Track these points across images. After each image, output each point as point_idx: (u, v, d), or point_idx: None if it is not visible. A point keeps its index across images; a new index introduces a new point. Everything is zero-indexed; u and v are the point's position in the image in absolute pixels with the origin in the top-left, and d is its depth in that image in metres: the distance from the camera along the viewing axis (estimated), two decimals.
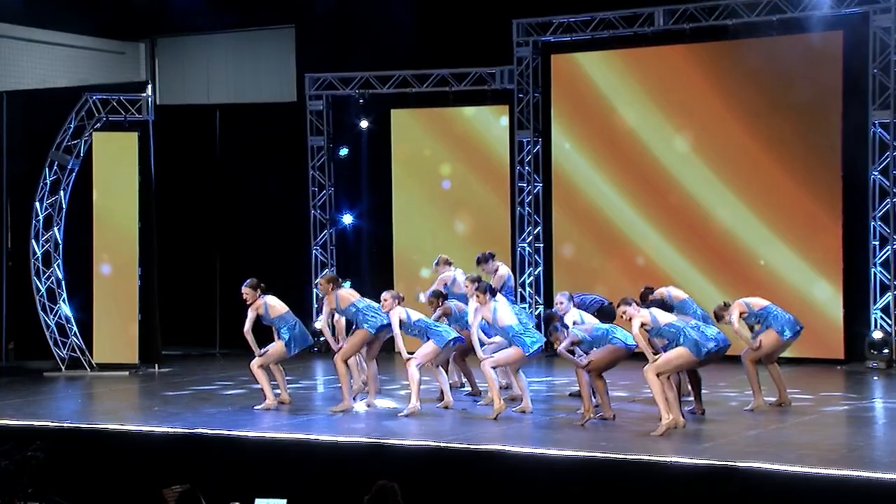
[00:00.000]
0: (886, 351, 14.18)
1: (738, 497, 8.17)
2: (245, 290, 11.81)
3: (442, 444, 9.20)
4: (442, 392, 11.63)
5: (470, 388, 12.46)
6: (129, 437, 10.12)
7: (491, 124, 16.82)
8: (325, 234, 17.35)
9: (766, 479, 8.13)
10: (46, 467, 8.01)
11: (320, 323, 12.20)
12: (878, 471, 8.17)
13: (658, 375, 10.01)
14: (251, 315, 11.71)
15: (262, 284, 11.85)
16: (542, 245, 16.57)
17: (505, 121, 16.69)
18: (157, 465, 9.33)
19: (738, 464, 8.36)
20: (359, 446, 9.47)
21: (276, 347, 11.76)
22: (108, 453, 9.86)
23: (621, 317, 10.39)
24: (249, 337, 11.67)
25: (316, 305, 17.09)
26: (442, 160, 16.94)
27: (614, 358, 10.62)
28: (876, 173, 14.42)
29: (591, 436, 9.83)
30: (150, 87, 15.42)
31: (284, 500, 7.82)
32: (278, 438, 9.73)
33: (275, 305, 11.83)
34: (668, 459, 8.58)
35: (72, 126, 15.00)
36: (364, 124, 17.37)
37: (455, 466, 8.97)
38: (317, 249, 17.31)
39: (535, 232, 16.57)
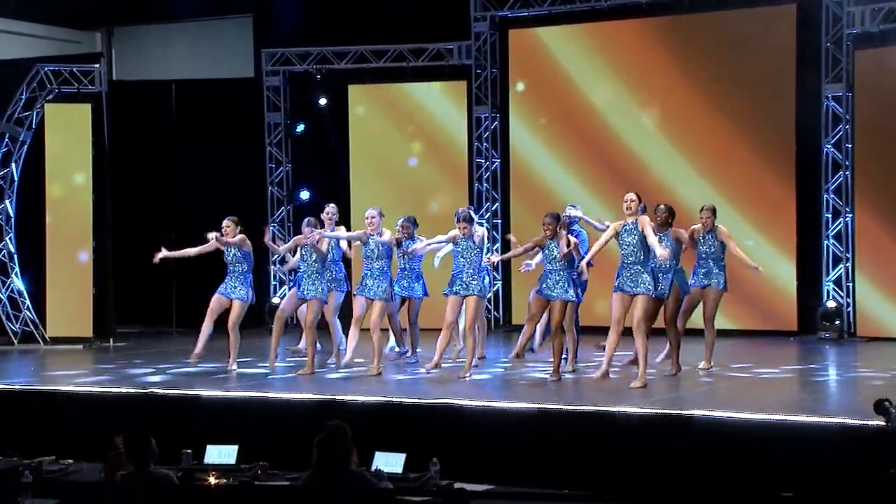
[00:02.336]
0: (838, 322, 14.52)
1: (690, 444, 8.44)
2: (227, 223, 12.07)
3: (394, 399, 9.41)
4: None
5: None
6: (83, 398, 10.25)
7: (448, 100, 16.99)
8: (282, 211, 17.50)
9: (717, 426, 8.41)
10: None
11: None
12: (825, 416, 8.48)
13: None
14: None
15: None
16: (500, 221, 16.78)
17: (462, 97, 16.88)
18: (111, 422, 9.43)
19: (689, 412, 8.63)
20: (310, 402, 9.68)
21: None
22: (63, 413, 9.99)
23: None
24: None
25: (275, 282, 17.25)
26: (399, 136, 17.11)
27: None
28: (829, 146, 14.73)
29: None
30: (103, 59, 15.46)
31: (236, 446, 8.00)
32: (230, 396, 9.90)
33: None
34: (617, 409, 8.83)
35: (23, 97, 15.09)
36: (322, 100, 17.49)
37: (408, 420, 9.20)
38: (274, 226, 17.34)
39: (494, 208, 16.78)
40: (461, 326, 11.78)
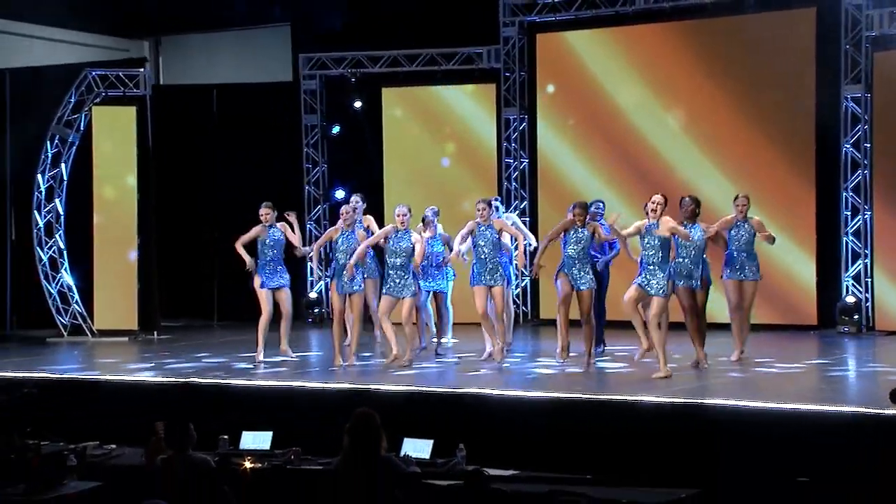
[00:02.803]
0: (857, 316, 14.40)
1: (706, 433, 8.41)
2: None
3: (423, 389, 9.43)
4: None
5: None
6: (126, 386, 10.33)
7: (478, 102, 17.00)
8: (318, 209, 17.56)
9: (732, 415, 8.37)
10: (43, 406, 8.19)
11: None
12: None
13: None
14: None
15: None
16: (528, 219, 16.71)
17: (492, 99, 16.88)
18: (152, 410, 9.50)
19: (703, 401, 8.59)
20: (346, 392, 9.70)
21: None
22: (107, 401, 10.07)
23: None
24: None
25: (312, 277, 17.30)
26: (431, 137, 17.13)
27: None
28: (848, 146, 14.60)
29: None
30: (147, 63, 15.58)
31: (270, 433, 8.04)
32: (265, 386, 9.94)
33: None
34: (638, 398, 8.80)
35: (72, 101, 15.23)
36: (356, 103, 17.52)
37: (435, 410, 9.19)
38: (311, 224, 17.52)
39: (522, 206, 16.76)
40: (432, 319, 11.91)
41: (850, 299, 14.45)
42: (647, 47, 15.91)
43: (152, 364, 12.05)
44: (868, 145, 14.53)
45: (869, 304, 14.57)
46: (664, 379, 10.04)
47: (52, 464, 7.48)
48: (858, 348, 13.32)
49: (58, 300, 15.18)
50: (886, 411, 7.89)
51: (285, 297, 12.08)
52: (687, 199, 11.37)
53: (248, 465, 7.70)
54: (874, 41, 14.44)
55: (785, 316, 14.88)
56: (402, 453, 7.65)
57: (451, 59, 16.86)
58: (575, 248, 10.97)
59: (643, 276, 10.55)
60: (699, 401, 8.65)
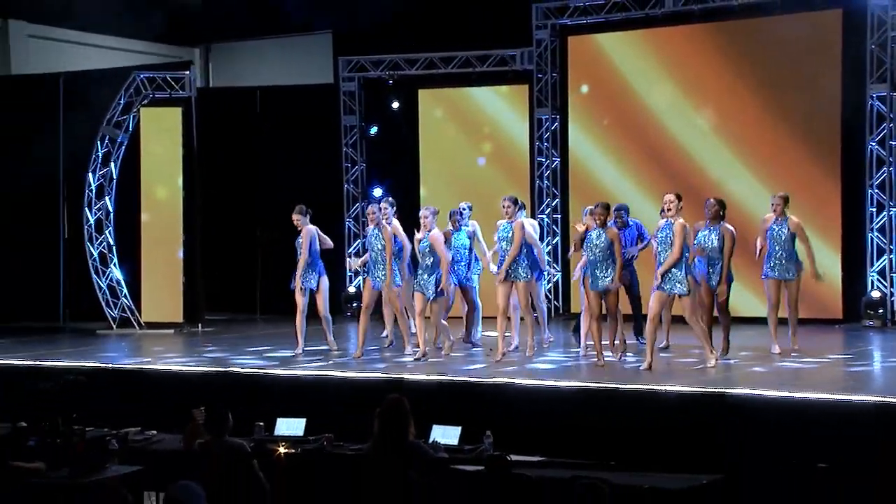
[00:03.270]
0: (882, 311, 14.21)
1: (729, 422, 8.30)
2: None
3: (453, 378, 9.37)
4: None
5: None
6: (166, 375, 10.36)
7: (511, 102, 16.94)
8: (357, 207, 17.56)
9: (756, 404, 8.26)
10: (88, 393, 8.22)
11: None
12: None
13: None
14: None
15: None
16: (559, 216, 16.67)
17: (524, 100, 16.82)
18: (193, 398, 9.52)
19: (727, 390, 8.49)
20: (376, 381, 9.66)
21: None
22: (147, 389, 10.11)
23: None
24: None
25: (351, 272, 17.29)
26: (465, 136, 17.09)
27: None
28: (873, 144, 14.42)
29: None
30: (192, 66, 15.65)
31: (304, 420, 8.02)
32: (300, 376, 9.93)
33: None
34: (662, 388, 8.70)
35: (121, 102, 15.33)
36: (394, 104, 17.51)
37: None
38: (349, 221, 17.53)
39: (553, 204, 16.68)
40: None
41: (876, 294, 14.26)
42: (677, 49, 15.78)
43: (194, 355, 12.07)
44: (893, 143, 14.35)
45: (894, 298, 14.39)
46: (714, 367, 9.92)
47: (95, 448, 7.51)
48: (884, 341, 13.11)
49: (107, 294, 15.29)
50: None
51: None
52: (711, 200, 11.23)
53: (282, 450, 7.69)
54: None
55: (811, 310, 14.54)
56: (431, 440, 7.59)
57: (485, 61, 16.81)
58: (593, 251, 10.78)
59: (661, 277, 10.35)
60: (722, 390, 8.53)
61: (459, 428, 7.58)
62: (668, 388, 8.78)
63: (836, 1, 14.71)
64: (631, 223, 12.35)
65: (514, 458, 7.35)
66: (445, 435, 7.57)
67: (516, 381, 9.12)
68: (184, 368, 10.68)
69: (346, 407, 8.91)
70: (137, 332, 15.01)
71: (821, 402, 8.20)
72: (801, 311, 14.40)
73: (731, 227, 11.21)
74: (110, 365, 10.96)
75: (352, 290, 17.23)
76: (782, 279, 11.43)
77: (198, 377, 10.28)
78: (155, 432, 8.54)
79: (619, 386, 8.94)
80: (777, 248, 11.45)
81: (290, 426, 8.06)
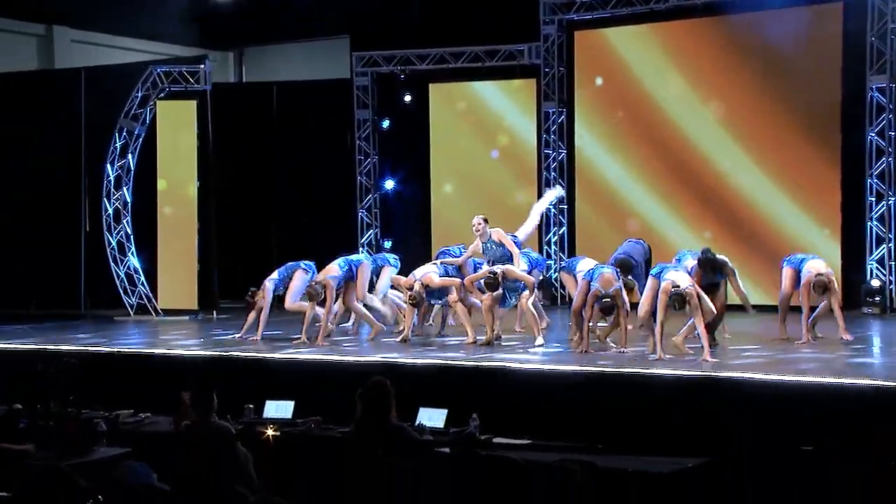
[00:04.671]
0: (880, 298, 13.69)
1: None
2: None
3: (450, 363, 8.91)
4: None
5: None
6: (159, 359, 9.94)
7: (519, 96, 16.50)
8: (369, 199, 17.15)
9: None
10: (82, 376, 7.84)
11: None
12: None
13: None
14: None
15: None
16: (566, 207, 16.20)
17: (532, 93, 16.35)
18: (189, 381, 9.14)
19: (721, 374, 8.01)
20: (370, 365, 9.21)
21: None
22: (144, 373, 9.71)
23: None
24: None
25: None
26: (474, 129, 16.65)
27: None
28: (873, 134, 13.88)
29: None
30: (207, 60, 15.26)
31: (292, 402, 7.62)
32: (293, 359, 9.47)
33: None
34: (660, 372, 8.22)
35: (138, 96, 14.99)
36: (407, 98, 17.12)
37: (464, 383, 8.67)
38: (362, 212, 17.12)
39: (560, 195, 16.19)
40: None
41: (875, 282, 13.71)
42: (681, 42, 15.27)
43: (199, 339, 11.65)
44: (892, 133, 13.81)
45: (892, 286, 13.88)
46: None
47: (82, 430, 7.12)
48: (883, 328, 12.57)
49: (125, 282, 14.95)
50: None
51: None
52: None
53: (270, 432, 7.29)
54: None
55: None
56: (417, 422, 7.16)
57: (493, 55, 16.35)
58: None
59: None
60: (714, 374, 8.04)
61: (445, 411, 7.13)
62: (660, 371, 8.27)
63: None
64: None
65: (500, 440, 6.94)
66: (431, 418, 7.13)
67: (506, 364, 8.62)
68: (183, 352, 10.22)
69: (337, 390, 8.43)
70: (154, 318, 14.65)
71: (813, 385, 7.69)
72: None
73: None
74: (110, 349, 10.51)
75: None
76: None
77: (195, 360, 9.82)
78: (148, 414, 8.15)
79: (610, 370, 8.44)
80: None
81: (279, 409, 7.66)
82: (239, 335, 11.37)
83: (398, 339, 10.83)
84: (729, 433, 7.24)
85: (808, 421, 7.20)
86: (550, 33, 16.08)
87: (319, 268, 11.39)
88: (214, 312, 14.96)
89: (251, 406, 7.78)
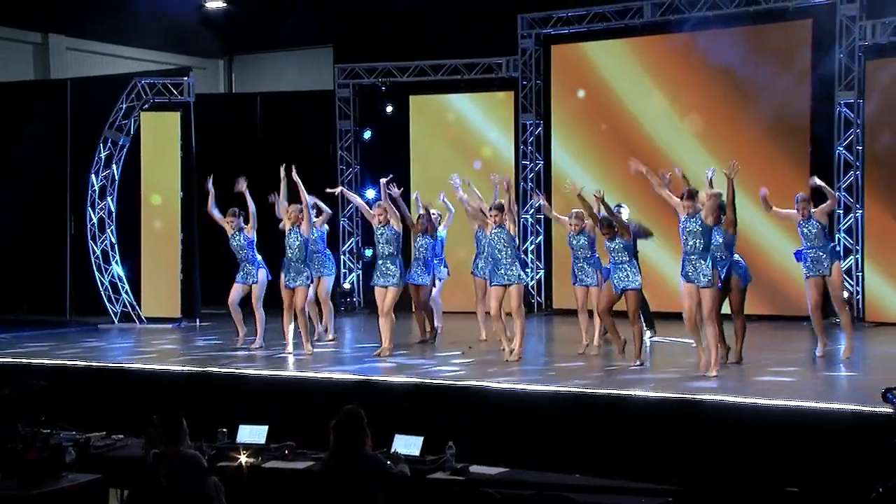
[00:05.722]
0: (849, 308, 13.21)
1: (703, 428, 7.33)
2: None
3: (424, 381, 8.36)
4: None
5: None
6: (133, 375, 9.34)
7: (497, 108, 16.00)
8: (351, 207, 16.59)
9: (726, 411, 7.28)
10: (50, 396, 7.26)
11: None
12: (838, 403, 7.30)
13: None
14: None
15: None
16: (542, 216, 15.71)
17: (510, 105, 15.87)
18: (161, 399, 8.57)
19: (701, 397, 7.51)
20: (344, 383, 8.64)
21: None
22: (117, 389, 9.12)
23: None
24: None
25: (345, 269, 16.38)
26: (453, 140, 16.14)
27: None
28: (841, 148, 13.50)
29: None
30: (191, 72, 14.69)
31: (266, 427, 7.09)
32: (265, 375, 8.90)
33: None
34: (637, 393, 7.72)
35: (123, 107, 14.40)
36: (388, 108, 16.61)
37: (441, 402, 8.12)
38: (344, 220, 16.60)
39: (537, 204, 15.69)
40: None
41: (844, 293, 13.26)
42: (656, 57, 14.84)
43: (179, 354, 11.05)
44: (860, 148, 13.46)
45: (860, 296, 13.52)
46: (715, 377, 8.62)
47: (49, 457, 6.56)
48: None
49: (109, 290, 14.36)
50: (880, 409, 6.75)
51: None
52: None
53: (243, 459, 6.75)
54: (866, 50, 13.40)
55: (781, 307, 13.79)
56: (393, 450, 6.64)
57: (472, 69, 15.88)
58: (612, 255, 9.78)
59: (686, 266, 8.92)
60: (691, 397, 7.54)
61: (421, 438, 6.61)
62: (638, 393, 7.77)
63: (806, 12, 13.81)
64: None
65: (476, 469, 6.44)
66: (407, 445, 6.60)
67: (485, 384, 8.08)
68: (157, 367, 9.63)
69: (312, 410, 7.91)
70: (138, 326, 14.08)
71: (795, 410, 7.20)
72: (772, 308, 13.67)
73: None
74: (86, 363, 9.90)
75: (346, 285, 16.31)
76: (822, 275, 10.10)
77: (170, 376, 9.25)
78: (122, 436, 7.58)
79: (589, 390, 7.92)
80: (809, 248, 10.13)
81: (252, 433, 7.11)
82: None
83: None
84: (710, 457, 6.76)
85: (790, 447, 6.73)
86: (528, 47, 15.63)
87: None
88: (197, 320, 14.39)
89: (224, 430, 7.23)
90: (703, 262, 8.83)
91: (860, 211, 13.39)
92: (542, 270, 15.68)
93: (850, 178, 13.44)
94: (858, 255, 13.42)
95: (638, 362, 9.44)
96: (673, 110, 14.62)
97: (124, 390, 9.03)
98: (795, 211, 10.19)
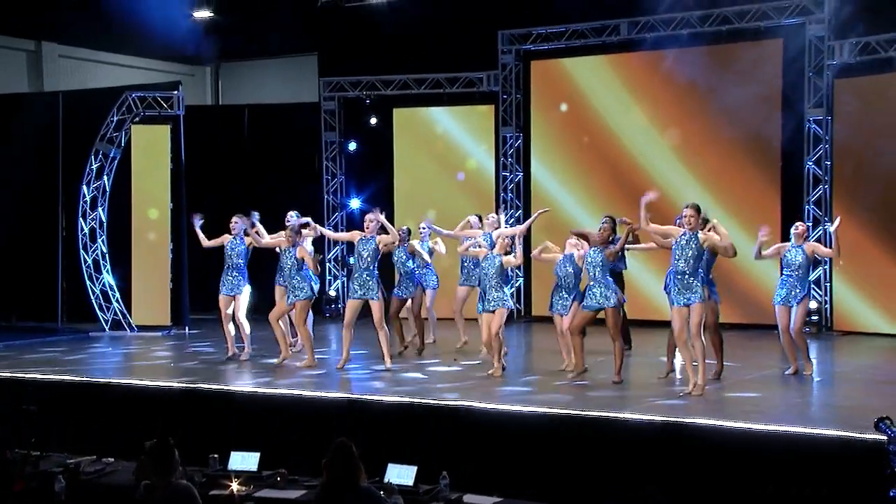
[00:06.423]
0: (817, 318, 13.02)
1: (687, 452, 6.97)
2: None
3: (414, 401, 7.94)
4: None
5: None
6: (117, 390, 8.83)
7: (478, 121, 15.62)
8: (336, 216, 16.19)
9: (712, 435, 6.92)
10: (40, 420, 6.81)
11: None
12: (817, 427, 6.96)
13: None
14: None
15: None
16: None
17: (491, 118, 15.49)
18: (150, 416, 8.11)
19: (685, 420, 7.15)
20: (333, 401, 8.20)
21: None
22: (104, 406, 8.60)
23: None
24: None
25: (330, 276, 15.95)
26: (436, 152, 15.74)
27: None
28: (811, 164, 13.23)
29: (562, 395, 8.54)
30: (180, 86, 14.19)
31: (258, 454, 6.67)
32: (256, 392, 8.43)
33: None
34: (624, 416, 7.35)
35: (114, 120, 13.88)
36: (373, 120, 16.18)
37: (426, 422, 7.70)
38: (329, 228, 16.11)
39: (517, 215, 15.36)
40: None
41: (812, 303, 13.01)
42: (632, 73, 14.51)
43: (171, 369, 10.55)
44: (828, 163, 13.21)
45: (828, 306, 13.28)
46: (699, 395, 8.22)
47: (38, 488, 6.11)
48: (820, 351, 11.85)
49: (100, 298, 13.85)
50: (870, 436, 6.43)
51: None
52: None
53: (234, 487, 6.33)
54: (835, 69, 13.19)
55: (752, 316, 13.50)
56: (386, 480, 6.24)
57: (454, 82, 15.49)
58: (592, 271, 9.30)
59: (676, 288, 8.42)
60: (682, 420, 7.17)
61: (415, 468, 6.21)
62: (628, 416, 7.41)
63: (777, 32, 13.54)
64: None
65: (470, 499, 6.05)
66: (400, 475, 6.21)
67: (477, 404, 7.64)
68: (148, 383, 9.09)
69: (304, 430, 7.49)
70: (128, 334, 13.58)
71: (784, 435, 6.84)
72: (743, 317, 13.39)
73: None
74: (75, 379, 9.35)
75: (332, 293, 15.90)
76: (787, 305, 9.66)
77: (161, 392, 8.75)
78: (111, 460, 7.13)
79: (581, 413, 7.50)
80: (787, 276, 9.71)
81: (244, 460, 6.68)
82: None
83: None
84: (710, 486, 6.42)
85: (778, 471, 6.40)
86: (508, 62, 15.26)
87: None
88: (186, 328, 13.91)
89: (216, 456, 6.81)
90: (695, 280, 8.42)
91: (828, 224, 13.07)
92: (522, 278, 15.32)
93: (819, 191, 13.18)
94: (827, 267, 13.16)
95: (617, 379, 9.08)
96: (652, 125, 14.30)
97: (115, 407, 8.52)
98: (780, 244, 9.81)
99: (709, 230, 8.75)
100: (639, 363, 10.44)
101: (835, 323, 13.15)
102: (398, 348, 11.12)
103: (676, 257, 8.46)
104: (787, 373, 9.77)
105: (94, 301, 13.82)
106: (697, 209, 8.47)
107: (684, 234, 8.47)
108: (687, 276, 8.36)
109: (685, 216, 8.46)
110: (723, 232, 8.74)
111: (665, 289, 8.94)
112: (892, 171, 12.69)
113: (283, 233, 10.52)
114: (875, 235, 12.73)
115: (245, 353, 10.79)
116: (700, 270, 8.48)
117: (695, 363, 8.40)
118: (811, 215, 13.17)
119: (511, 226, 13.91)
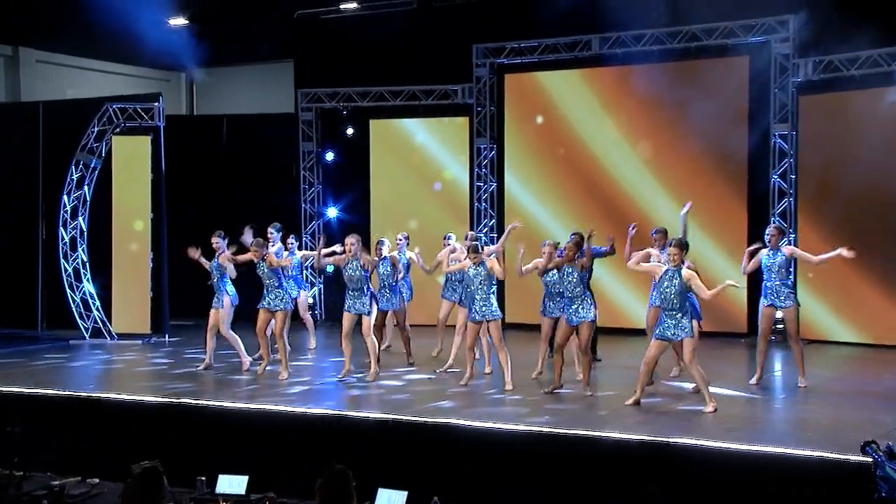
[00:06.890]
0: (783, 326, 12.87)
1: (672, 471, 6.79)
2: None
3: (401, 418, 7.66)
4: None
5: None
6: (104, 405, 8.43)
7: (453, 132, 15.38)
8: (313, 224, 15.89)
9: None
10: (25, 440, 6.48)
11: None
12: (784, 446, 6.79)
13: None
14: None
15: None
16: (496, 235, 15.12)
17: (465, 130, 15.27)
18: (135, 434, 7.77)
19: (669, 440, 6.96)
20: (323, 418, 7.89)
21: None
22: (89, 422, 8.21)
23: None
24: None
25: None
26: (411, 163, 15.48)
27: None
28: (776, 177, 13.15)
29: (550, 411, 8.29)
30: (161, 97, 13.81)
31: (246, 477, 6.39)
32: (244, 409, 8.11)
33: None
34: (606, 434, 7.14)
35: (94, 130, 13.48)
36: (349, 130, 15.90)
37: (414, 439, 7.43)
38: (307, 237, 15.84)
39: (490, 224, 15.16)
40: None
41: (778, 314, 12.89)
42: (603, 87, 14.34)
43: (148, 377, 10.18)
44: (793, 177, 13.13)
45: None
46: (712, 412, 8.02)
47: None
48: (785, 358, 11.75)
49: (80, 307, 13.45)
50: (853, 457, 6.28)
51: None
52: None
53: None
54: (799, 86, 13.11)
55: (719, 325, 13.34)
56: None
57: (430, 94, 15.24)
58: (565, 287, 9.07)
59: (665, 323, 8.22)
60: (668, 440, 6.99)
61: (405, 493, 5.96)
62: (612, 434, 7.20)
63: (743, 49, 13.44)
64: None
65: None
66: (391, 500, 5.95)
67: (466, 422, 7.37)
68: (134, 398, 8.63)
69: (293, 446, 7.18)
70: (109, 342, 13.19)
71: (767, 455, 6.67)
72: (710, 326, 13.14)
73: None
74: (60, 392, 8.95)
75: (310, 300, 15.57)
76: (776, 306, 9.61)
77: (146, 407, 8.36)
78: (97, 481, 6.80)
79: (572, 432, 7.23)
80: (770, 279, 9.63)
81: (232, 484, 6.40)
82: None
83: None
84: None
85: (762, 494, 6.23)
86: (482, 75, 15.04)
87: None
88: (166, 336, 13.55)
89: (203, 479, 6.51)
90: (683, 316, 8.21)
91: (793, 235, 13.03)
92: (495, 285, 15.06)
93: (785, 203, 13.10)
94: (792, 277, 13.05)
95: (588, 392, 8.89)
96: (624, 138, 14.14)
97: (100, 423, 8.13)
98: (755, 253, 9.66)
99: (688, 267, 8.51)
100: (611, 373, 10.27)
101: (801, 331, 13.02)
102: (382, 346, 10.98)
103: (663, 297, 8.23)
104: (750, 382, 9.63)
105: (74, 309, 13.43)
106: (680, 247, 8.25)
107: (668, 270, 8.26)
108: (675, 314, 8.18)
109: (669, 254, 8.24)
110: (698, 284, 8.42)
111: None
112: (855, 185, 12.64)
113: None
114: (839, 247, 12.64)
115: (244, 363, 10.45)
116: (686, 305, 8.26)
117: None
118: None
119: (489, 241, 13.79)
